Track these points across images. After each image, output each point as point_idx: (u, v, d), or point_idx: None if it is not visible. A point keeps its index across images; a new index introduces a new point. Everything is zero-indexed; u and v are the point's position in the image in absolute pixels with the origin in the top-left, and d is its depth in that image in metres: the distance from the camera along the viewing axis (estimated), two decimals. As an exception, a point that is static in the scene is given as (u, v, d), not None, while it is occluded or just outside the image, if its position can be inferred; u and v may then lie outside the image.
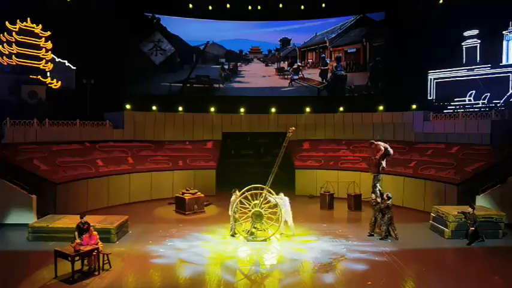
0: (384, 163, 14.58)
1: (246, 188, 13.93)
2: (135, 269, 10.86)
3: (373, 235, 13.85)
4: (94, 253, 10.32)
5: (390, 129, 23.07)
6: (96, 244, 10.51)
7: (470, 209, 13.32)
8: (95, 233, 10.79)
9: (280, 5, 27.60)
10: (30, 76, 24.09)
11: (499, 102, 22.99)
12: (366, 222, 16.41)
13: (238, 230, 13.59)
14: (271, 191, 14.06)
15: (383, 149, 14.49)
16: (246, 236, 13.45)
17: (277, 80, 29.46)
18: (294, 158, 23.43)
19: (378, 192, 14.32)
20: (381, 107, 24.55)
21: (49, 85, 24.67)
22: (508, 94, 22.71)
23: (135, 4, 26.26)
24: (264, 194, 13.57)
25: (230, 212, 13.80)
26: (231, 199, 14.03)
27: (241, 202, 13.73)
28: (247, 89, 28.90)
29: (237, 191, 14.15)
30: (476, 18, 22.93)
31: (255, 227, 13.63)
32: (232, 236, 13.70)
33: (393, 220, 13.61)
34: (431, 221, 14.91)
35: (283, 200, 13.91)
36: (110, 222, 13.17)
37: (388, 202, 13.60)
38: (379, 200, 13.98)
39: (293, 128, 14.82)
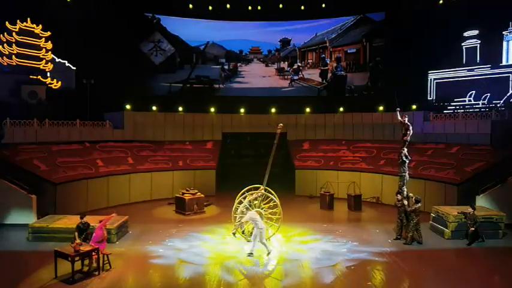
0: (406, 152, 13.97)
1: (246, 188, 13.91)
2: (135, 269, 10.87)
3: (399, 239, 13.46)
4: (94, 253, 10.31)
5: (390, 129, 23.08)
6: (103, 241, 10.67)
7: (470, 209, 13.32)
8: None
9: (280, 5, 27.62)
10: (30, 76, 24.10)
11: (499, 103, 23.00)
12: (366, 223, 16.52)
13: (239, 231, 13.52)
14: (271, 191, 14.02)
15: (409, 126, 13.97)
16: (246, 237, 13.43)
17: (277, 80, 29.48)
18: (294, 158, 23.45)
19: (405, 193, 13.77)
20: (381, 107, 24.56)
21: (49, 85, 24.69)
22: (508, 94, 22.73)
23: (135, 4, 26.28)
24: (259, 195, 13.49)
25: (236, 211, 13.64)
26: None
27: (240, 202, 13.67)
28: (247, 89, 28.91)
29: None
30: (476, 18, 22.95)
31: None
32: (234, 234, 13.61)
33: (419, 225, 13.15)
34: (431, 221, 14.91)
35: (254, 216, 12.15)
36: (110, 222, 13.13)
37: (415, 206, 13.09)
38: (405, 202, 13.39)
39: (281, 125, 14.15)
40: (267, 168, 13.72)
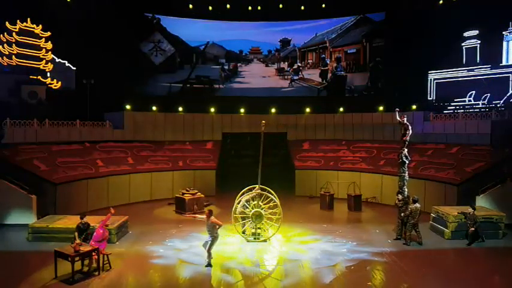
0: (406, 152, 14.00)
1: (246, 188, 13.93)
2: (135, 269, 10.87)
3: (399, 239, 13.46)
4: (94, 254, 10.31)
5: (390, 130, 23.06)
6: (104, 240, 10.66)
7: (470, 210, 13.32)
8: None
9: (280, 5, 27.61)
10: (30, 76, 24.08)
11: (499, 103, 22.99)
12: (366, 223, 16.52)
13: (238, 230, 13.53)
14: (271, 191, 14.02)
15: (408, 126, 13.97)
16: (246, 237, 13.44)
17: (277, 80, 29.48)
18: (294, 158, 23.44)
19: (406, 193, 13.74)
20: (381, 107, 24.55)
21: (49, 85, 24.68)
22: (508, 94, 22.71)
23: (135, 4, 26.27)
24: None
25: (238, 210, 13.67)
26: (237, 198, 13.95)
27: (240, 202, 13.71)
28: (247, 89, 28.90)
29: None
30: (476, 18, 22.91)
31: (259, 228, 13.58)
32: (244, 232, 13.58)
33: (417, 225, 13.04)
34: (431, 222, 14.92)
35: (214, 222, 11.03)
36: (110, 222, 13.14)
37: (411, 207, 12.97)
38: (408, 210, 13.22)
39: (264, 122, 14.16)
40: (259, 167, 13.78)
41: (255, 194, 13.57)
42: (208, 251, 10.88)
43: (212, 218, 10.93)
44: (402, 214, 13.31)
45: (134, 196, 20.12)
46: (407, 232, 13.07)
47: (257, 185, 13.74)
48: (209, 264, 10.84)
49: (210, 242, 10.86)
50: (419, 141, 21.67)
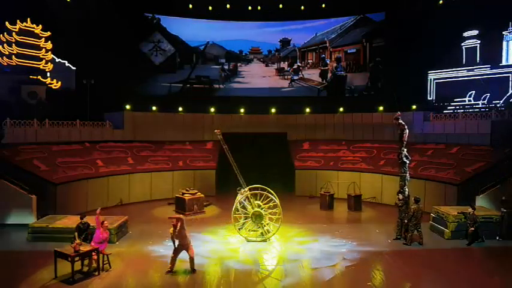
0: (406, 152, 14.00)
1: (246, 188, 13.94)
2: (135, 269, 10.87)
3: (399, 239, 13.48)
4: (93, 254, 10.31)
5: (390, 130, 23.02)
6: (104, 242, 10.63)
7: (470, 210, 13.33)
8: (106, 224, 10.95)
9: (280, 5, 27.63)
10: (30, 76, 24.06)
11: (499, 103, 22.99)
12: (366, 223, 16.52)
13: (236, 226, 13.54)
14: (271, 191, 14.04)
15: (405, 127, 13.91)
16: (246, 237, 13.45)
17: (277, 80, 29.49)
18: (294, 158, 23.44)
19: (406, 193, 13.73)
20: (381, 107, 24.54)
21: (49, 85, 24.67)
22: (508, 94, 22.71)
23: (135, 4, 26.29)
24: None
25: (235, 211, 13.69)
26: (237, 198, 13.98)
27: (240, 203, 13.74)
28: (247, 89, 28.91)
29: (242, 190, 14.11)
30: (476, 18, 22.92)
31: (259, 227, 13.58)
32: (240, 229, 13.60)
33: (420, 225, 13.02)
34: (431, 221, 14.91)
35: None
36: (110, 223, 13.12)
37: (413, 207, 12.97)
38: (409, 201, 13.28)
39: (217, 130, 14.32)
40: (236, 171, 13.89)
41: (245, 196, 13.58)
42: (193, 260, 10.57)
43: (183, 225, 10.58)
44: (404, 215, 13.29)
45: (134, 196, 20.11)
46: (408, 232, 13.07)
47: (246, 188, 13.79)
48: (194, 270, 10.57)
49: (190, 250, 10.57)
50: (419, 141, 21.67)
